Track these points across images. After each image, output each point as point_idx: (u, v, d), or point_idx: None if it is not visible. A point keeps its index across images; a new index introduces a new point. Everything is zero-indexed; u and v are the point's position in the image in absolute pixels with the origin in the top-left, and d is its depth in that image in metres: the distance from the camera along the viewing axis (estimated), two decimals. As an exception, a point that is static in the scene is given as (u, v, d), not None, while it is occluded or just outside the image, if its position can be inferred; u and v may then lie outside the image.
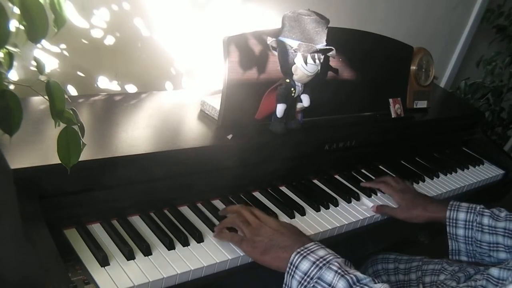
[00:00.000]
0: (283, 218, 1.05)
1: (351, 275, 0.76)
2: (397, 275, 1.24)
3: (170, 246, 0.88)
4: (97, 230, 0.88)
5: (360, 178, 1.30)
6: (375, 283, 0.76)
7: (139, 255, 0.84)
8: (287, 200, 1.11)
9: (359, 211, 1.16)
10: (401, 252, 1.31)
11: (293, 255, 0.81)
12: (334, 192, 1.20)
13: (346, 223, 1.10)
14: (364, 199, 1.21)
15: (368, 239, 1.24)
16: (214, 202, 1.04)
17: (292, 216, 1.06)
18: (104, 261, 0.80)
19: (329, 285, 0.76)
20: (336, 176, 1.28)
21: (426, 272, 1.19)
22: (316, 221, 1.07)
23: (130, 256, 0.83)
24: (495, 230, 1.07)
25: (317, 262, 0.79)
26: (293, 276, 0.80)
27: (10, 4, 0.62)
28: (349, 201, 1.18)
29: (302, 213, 1.08)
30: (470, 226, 1.09)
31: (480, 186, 1.54)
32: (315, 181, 1.23)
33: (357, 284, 0.76)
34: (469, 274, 1.07)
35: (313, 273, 0.78)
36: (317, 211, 1.11)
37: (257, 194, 1.11)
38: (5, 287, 0.84)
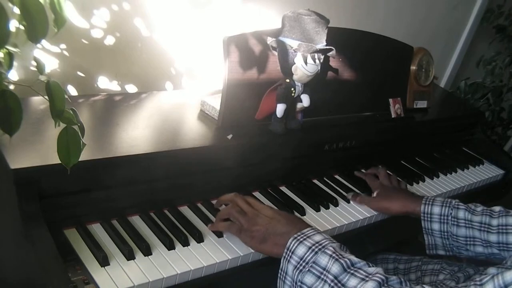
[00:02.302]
0: (283, 218, 1.05)
1: (346, 259, 0.77)
2: (397, 275, 1.24)
3: (170, 246, 0.88)
4: (97, 230, 0.88)
5: (360, 178, 1.30)
6: (369, 266, 0.77)
7: (139, 255, 0.84)
8: (287, 200, 1.11)
9: (359, 211, 1.16)
10: (401, 252, 1.31)
11: (289, 241, 0.82)
12: (334, 192, 1.20)
13: (346, 223, 1.10)
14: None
15: (367, 239, 1.24)
16: (214, 202, 1.04)
17: (292, 216, 1.06)
18: (104, 261, 0.80)
19: (324, 269, 0.77)
20: (336, 176, 1.28)
21: (425, 272, 1.19)
22: (316, 221, 1.07)
23: (130, 256, 0.83)
24: (471, 224, 1.05)
25: (313, 247, 0.80)
26: (289, 261, 0.80)
27: (10, 4, 0.62)
28: (349, 201, 1.18)
29: (302, 213, 1.08)
30: (445, 220, 1.07)
31: (480, 186, 1.54)
32: (315, 181, 1.23)
33: (351, 267, 0.77)
34: (468, 274, 1.08)
35: (309, 257, 0.79)
36: (317, 211, 1.11)
37: (257, 194, 1.11)
38: (5, 287, 0.85)
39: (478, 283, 0.68)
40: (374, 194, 1.20)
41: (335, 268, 0.76)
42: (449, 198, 1.10)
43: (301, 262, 0.79)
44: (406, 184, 1.29)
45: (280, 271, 0.82)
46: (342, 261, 0.77)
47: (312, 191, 1.18)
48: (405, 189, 1.25)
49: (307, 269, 0.78)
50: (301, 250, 0.80)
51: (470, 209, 1.07)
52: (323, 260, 0.78)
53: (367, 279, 0.74)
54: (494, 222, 1.03)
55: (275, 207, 1.07)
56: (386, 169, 1.30)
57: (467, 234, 1.06)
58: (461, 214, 1.06)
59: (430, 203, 1.09)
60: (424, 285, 0.75)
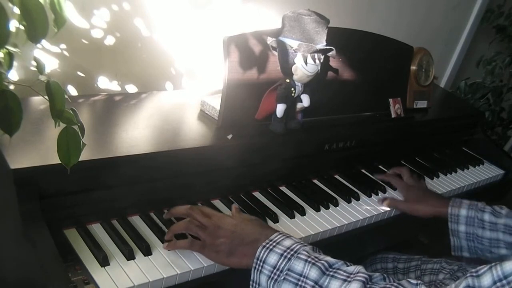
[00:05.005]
0: (283, 218, 1.05)
1: (322, 261, 0.73)
2: (396, 275, 1.25)
3: (170, 246, 0.88)
4: (97, 230, 0.88)
5: (360, 178, 1.30)
6: (348, 266, 0.74)
7: (139, 255, 0.84)
8: (287, 200, 1.11)
9: (359, 211, 1.16)
10: (400, 252, 1.31)
11: (258, 250, 0.77)
12: (334, 192, 1.20)
13: (346, 223, 1.10)
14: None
15: (368, 239, 1.24)
16: (214, 202, 1.04)
17: (292, 216, 1.06)
18: (104, 261, 0.80)
19: (300, 275, 0.73)
20: (336, 176, 1.28)
21: (425, 272, 1.19)
22: (316, 221, 1.07)
23: (130, 256, 0.83)
24: (496, 227, 1.08)
25: (285, 254, 0.75)
26: (261, 271, 0.76)
27: (10, 4, 0.62)
28: (349, 201, 1.18)
29: (302, 213, 1.08)
30: (471, 223, 1.10)
31: (480, 186, 1.54)
32: (315, 181, 1.23)
33: (330, 269, 0.73)
34: (468, 274, 1.07)
35: (282, 265, 0.75)
36: (317, 211, 1.11)
37: (257, 194, 1.11)
38: (5, 287, 0.85)
39: (474, 274, 0.64)
40: (401, 196, 1.23)
41: (313, 273, 0.72)
42: (475, 201, 1.14)
43: (275, 271, 0.75)
44: (424, 179, 1.33)
45: (251, 282, 0.78)
46: (319, 264, 0.73)
47: (312, 191, 1.18)
48: (431, 190, 1.28)
49: (282, 277, 0.74)
50: (272, 258, 0.76)
51: (495, 211, 1.10)
52: (298, 265, 0.74)
53: (349, 279, 0.71)
54: None
55: (278, 209, 1.07)
56: (408, 169, 1.32)
57: (492, 237, 1.09)
58: (486, 217, 1.10)
59: (457, 205, 1.13)
60: (409, 279, 0.71)
